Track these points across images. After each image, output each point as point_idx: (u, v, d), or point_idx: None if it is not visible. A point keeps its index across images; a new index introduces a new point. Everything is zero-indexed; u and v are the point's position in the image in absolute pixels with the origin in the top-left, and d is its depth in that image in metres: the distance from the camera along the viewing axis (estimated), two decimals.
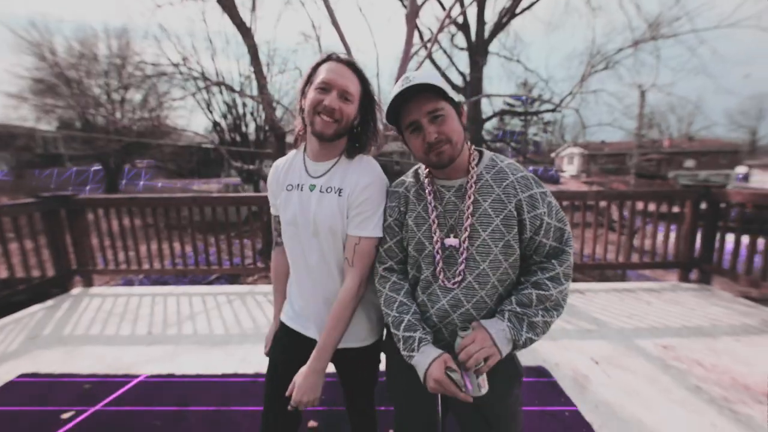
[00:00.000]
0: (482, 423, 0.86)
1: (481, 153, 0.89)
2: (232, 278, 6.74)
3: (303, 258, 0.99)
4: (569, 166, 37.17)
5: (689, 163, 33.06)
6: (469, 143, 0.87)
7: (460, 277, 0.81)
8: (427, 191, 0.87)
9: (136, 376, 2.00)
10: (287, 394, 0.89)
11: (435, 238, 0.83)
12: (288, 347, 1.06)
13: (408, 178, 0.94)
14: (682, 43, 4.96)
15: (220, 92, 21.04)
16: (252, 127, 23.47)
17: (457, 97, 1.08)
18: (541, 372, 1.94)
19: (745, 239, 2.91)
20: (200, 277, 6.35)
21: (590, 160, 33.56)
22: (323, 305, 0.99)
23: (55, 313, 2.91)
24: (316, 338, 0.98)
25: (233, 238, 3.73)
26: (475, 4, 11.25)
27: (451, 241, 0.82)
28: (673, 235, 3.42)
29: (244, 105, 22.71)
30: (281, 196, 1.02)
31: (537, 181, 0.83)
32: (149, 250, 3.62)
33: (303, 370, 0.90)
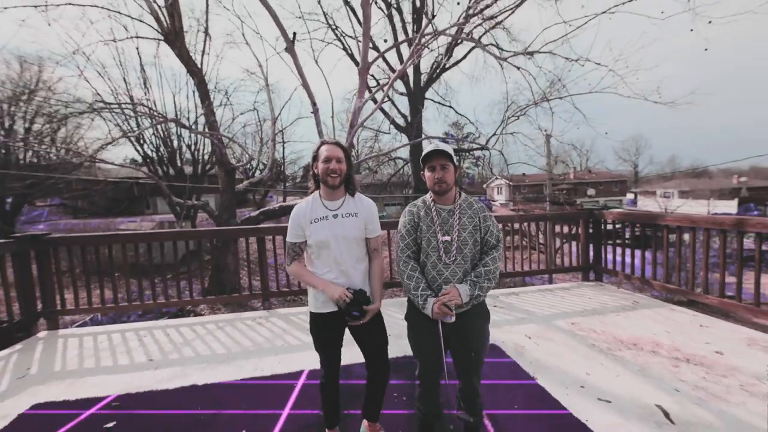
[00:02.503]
0: (466, 349, 1.48)
1: (460, 193, 1.58)
2: (182, 312, 6.73)
3: (333, 259, 1.56)
4: (499, 196, 41.63)
5: (591, 191, 39.22)
6: (456, 187, 1.56)
7: (454, 258, 1.47)
8: (433, 210, 1.54)
9: (159, 390, 2.23)
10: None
11: (439, 237, 1.48)
12: (327, 326, 1.60)
13: (418, 202, 1.61)
14: (568, 102, 6.64)
15: (153, 126, 20.11)
16: (188, 161, 22.49)
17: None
18: (494, 347, 2.63)
19: (619, 249, 4.08)
20: (156, 311, 6.18)
21: (515, 191, 38.01)
22: (345, 283, 1.57)
23: (32, 354, 2.87)
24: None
25: (180, 276, 3.96)
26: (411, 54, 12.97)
27: (446, 237, 1.48)
28: (575, 248, 4.54)
29: (180, 138, 21.81)
30: (309, 227, 1.57)
31: (489, 213, 1.55)
32: (115, 287, 3.64)
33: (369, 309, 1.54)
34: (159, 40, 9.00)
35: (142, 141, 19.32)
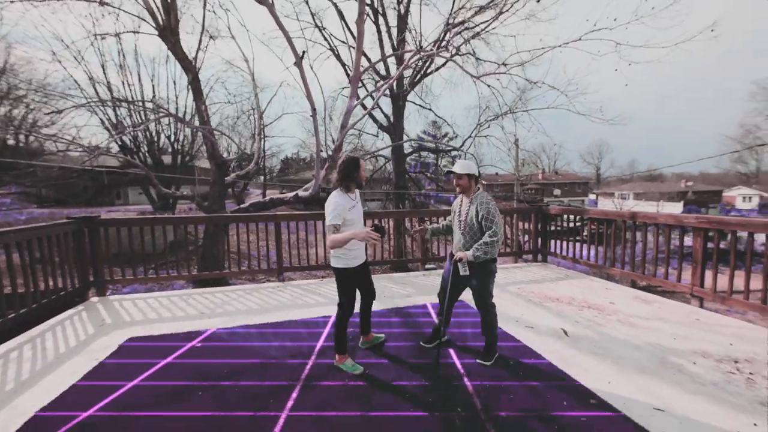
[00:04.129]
0: (474, 289, 2.48)
1: (478, 189, 2.53)
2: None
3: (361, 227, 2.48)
4: None
5: (557, 191, 41.94)
6: (477, 186, 2.51)
7: (463, 229, 2.47)
8: (462, 201, 2.53)
9: (223, 329, 3.07)
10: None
11: (460, 216, 2.48)
12: (355, 276, 2.48)
13: (458, 197, 2.60)
14: (529, 115, 7.85)
15: (130, 114, 19.82)
16: (166, 151, 22.27)
17: (471, 171, 2.53)
18: (462, 303, 3.64)
19: (561, 237, 5.24)
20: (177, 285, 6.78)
21: (488, 189, 40.03)
22: (362, 246, 2.50)
23: (97, 312, 3.58)
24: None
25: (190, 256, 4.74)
26: (397, 65, 13.85)
27: (462, 217, 2.47)
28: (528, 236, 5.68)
29: (159, 128, 21.55)
30: (347, 212, 2.41)
31: (486, 201, 2.46)
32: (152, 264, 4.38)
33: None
34: (153, 35, 9.34)
35: (118, 129, 19.02)
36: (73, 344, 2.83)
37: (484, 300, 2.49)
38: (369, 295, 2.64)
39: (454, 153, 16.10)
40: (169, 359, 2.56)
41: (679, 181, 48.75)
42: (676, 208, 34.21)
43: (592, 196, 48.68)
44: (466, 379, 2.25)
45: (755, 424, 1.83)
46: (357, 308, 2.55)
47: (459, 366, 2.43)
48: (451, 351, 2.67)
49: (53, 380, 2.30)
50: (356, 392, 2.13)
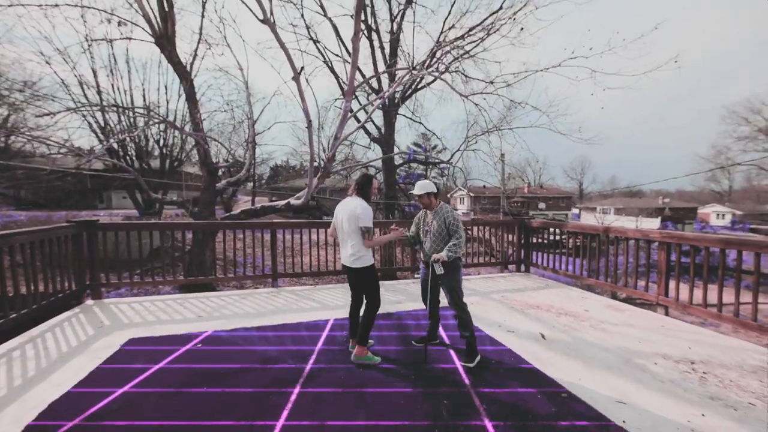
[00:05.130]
0: (445, 288, 2.71)
1: (439, 203, 2.79)
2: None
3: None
4: (461, 206, 44.33)
5: (542, 205, 43.08)
6: (439, 201, 2.79)
7: (433, 238, 2.72)
8: (426, 215, 2.81)
9: (221, 331, 3.20)
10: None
11: (426, 227, 2.74)
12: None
13: (420, 211, 2.87)
14: (514, 132, 8.32)
15: (119, 118, 19.64)
16: (155, 155, 22.06)
17: (429, 189, 2.84)
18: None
19: (540, 249, 5.56)
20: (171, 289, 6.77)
21: (475, 201, 40.79)
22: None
23: (94, 315, 3.65)
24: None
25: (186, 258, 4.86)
26: (389, 80, 14.29)
27: (428, 227, 2.71)
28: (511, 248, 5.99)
29: (148, 133, 21.36)
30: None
31: (449, 211, 2.76)
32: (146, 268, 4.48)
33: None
34: (150, 42, 9.46)
35: (105, 132, 18.81)
36: (75, 344, 2.92)
37: (455, 297, 2.76)
38: (360, 299, 2.84)
39: (442, 165, 16.57)
40: (169, 358, 2.68)
41: (657, 198, 50.82)
42: (653, 223, 35.59)
43: (576, 210, 50.17)
44: (462, 372, 2.46)
45: (703, 415, 2.09)
46: (351, 311, 2.75)
47: (457, 363, 2.64)
48: (451, 352, 2.88)
49: (57, 379, 2.40)
50: (354, 391, 2.31)
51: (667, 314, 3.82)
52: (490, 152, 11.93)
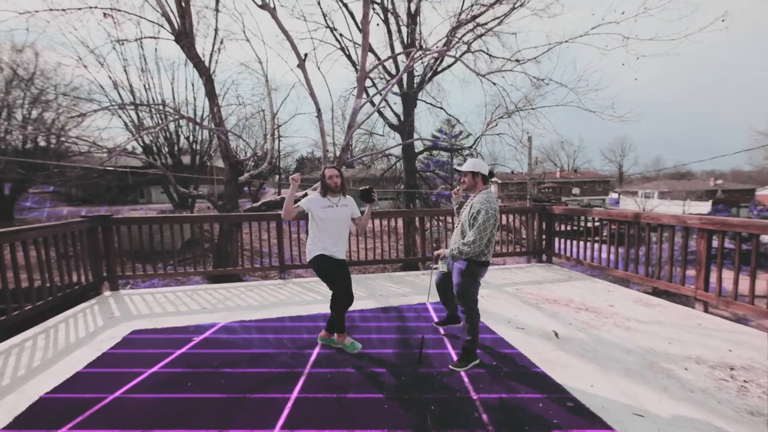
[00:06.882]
0: (452, 286, 2.51)
1: (486, 188, 2.53)
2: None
3: (331, 231, 2.59)
4: None
5: (576, 190, 40.78)
6: (482, 185, 2.50)
7: (454, 231, 2.54)
8: (469, 198, 2.55)
9: (223, 324, 3.20)
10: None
11: (461, 214, 2.53)
12: (333, 264, 2.59)
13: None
14: (538, 113, 7.71)
15: (151, 116, 20.59)
16: (186, 151, 23.05)
17: (475, 168, 2.51)
18: None
19: (564, 237, 5.14)
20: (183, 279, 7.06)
21: (503, 188, 39.33)
22: (342, 246, 2.62)
23: (108, 306, 3.79)
24: (343, 258, 2.62)
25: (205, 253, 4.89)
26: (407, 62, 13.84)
27: (463, 216, 2.50)
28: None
29: (178, 130, 22.28)
30: (319, 209, 2.58)
31: (483, 201, 2.42)
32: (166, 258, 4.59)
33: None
34: (169, 40, 9.68)
35: (140, 131, 19.83)
36: (83, 335, 3.03)
37: (462, 299, 2.48)
38: (346, 293, 2.61)
39: (466, 152, 15.96)
40: (171, 353, 2.70)
41: (709, 179, 46.46)
42: (703, 207, 32.63)
43: (614, 195, 46.98)
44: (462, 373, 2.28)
45: None
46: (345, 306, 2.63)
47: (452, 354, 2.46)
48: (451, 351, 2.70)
49: (63, 366, 2.47)
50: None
51: (706, 311, 3.38)
52: (516, 136, 11.29)
